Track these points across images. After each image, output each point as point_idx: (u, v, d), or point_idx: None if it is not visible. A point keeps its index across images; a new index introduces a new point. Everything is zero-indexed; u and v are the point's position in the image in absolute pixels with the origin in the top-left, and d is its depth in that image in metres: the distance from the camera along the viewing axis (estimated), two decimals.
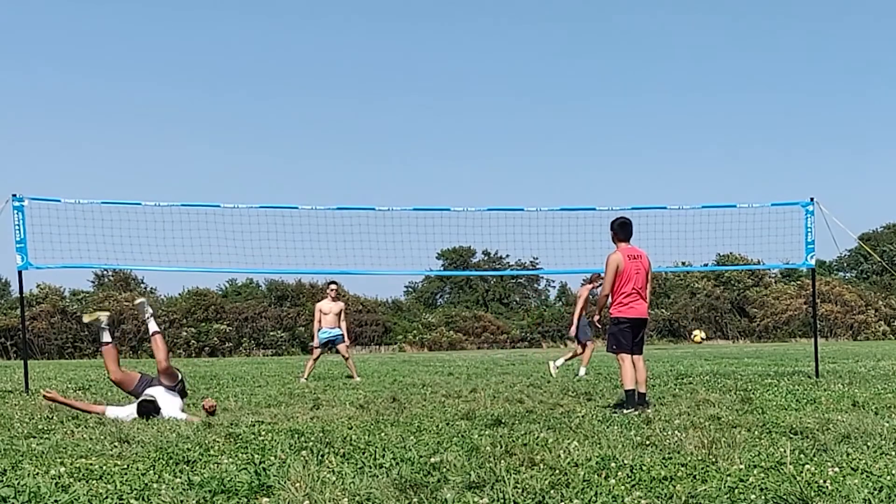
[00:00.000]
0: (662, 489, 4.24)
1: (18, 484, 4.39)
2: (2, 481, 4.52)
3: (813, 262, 12.80)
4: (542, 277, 68.69)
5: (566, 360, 15.16)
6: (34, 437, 6.47)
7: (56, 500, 4.11)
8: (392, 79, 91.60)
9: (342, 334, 14.69)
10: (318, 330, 14.66)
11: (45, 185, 76.01)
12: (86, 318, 8.91)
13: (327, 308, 14.70)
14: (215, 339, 46.84)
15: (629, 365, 8.21)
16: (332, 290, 14.94)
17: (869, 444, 5.50)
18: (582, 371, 14.21)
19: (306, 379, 14.20)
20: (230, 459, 5.24)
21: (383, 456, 5.26)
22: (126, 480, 4.61)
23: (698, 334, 16.43)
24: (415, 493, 4.18)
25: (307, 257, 13.10)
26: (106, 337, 8.40)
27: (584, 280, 15.86)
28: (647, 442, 5.77)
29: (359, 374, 15.10)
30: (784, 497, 3.99)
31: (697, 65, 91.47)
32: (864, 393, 9.39)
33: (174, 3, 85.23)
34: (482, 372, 16.40)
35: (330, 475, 4.61)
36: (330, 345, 14.69)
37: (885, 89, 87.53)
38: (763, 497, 4.02)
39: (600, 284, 15.04)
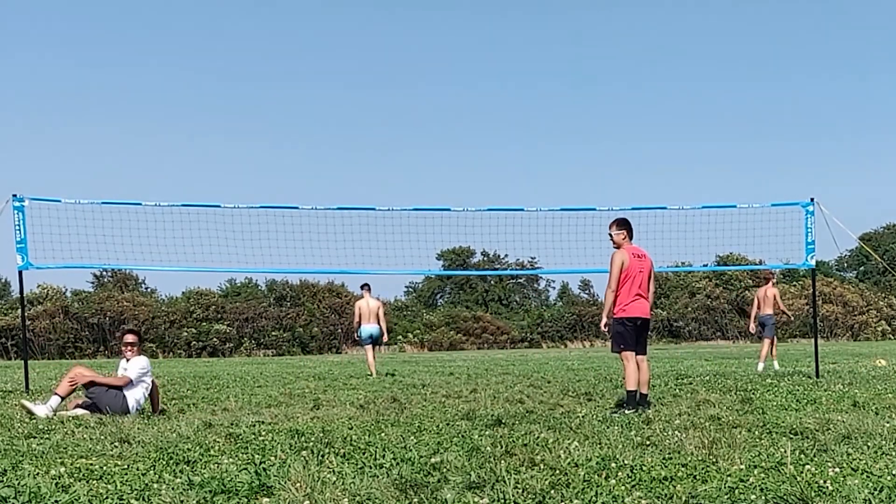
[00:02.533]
0: (663, 489, 4.24)
1: (19, 484, 4.40)
2: (2, 481, 4.52)
3: (813, 262, 12.80)
4: (542, 278, 68.76)
5: (772, 356, 15.66)
6: (34, 437, 6.47)
7: (56, 501, 4.11)
8: (393, 78, 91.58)
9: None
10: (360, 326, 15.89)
11: (45, 185, 75.97)
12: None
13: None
14: (215, 339, 46.82)
15: (633, 365, 8.17)
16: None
17: (869, 444, 5.51)
18: (760, 366, 14.85)
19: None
20: (230, 460, 5.24)
21: (384, 456, 5.26)
22: (126, 480, 4.62)
23: (882, 361, 17.02)
24: (415, 493, 4.18)
25: (307, 257, 13.13)
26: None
27: (763, 279, 16.46)
28: (648, 442, 5.77)
29: (358, 375, 15.62)
30: (784, 497, 3.99)
31: (697, 64, 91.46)
32: (865, 393, 9.39)
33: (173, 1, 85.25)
34: (482, 372, 16.40)
35: (330, 475, 4.61)
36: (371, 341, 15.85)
37: (886, 89, 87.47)
38: (763, 497, 4.02)
39: (776, 283, 15.65)
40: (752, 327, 15.61)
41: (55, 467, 4.99)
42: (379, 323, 15.76)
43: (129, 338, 8.72)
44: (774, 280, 15.96)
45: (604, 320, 8.35)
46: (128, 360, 8.60)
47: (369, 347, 15.81)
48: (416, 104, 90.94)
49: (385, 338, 16.14)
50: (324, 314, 50.69)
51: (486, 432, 6.43)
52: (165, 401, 9.63)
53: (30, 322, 40.48)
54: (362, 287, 16.19)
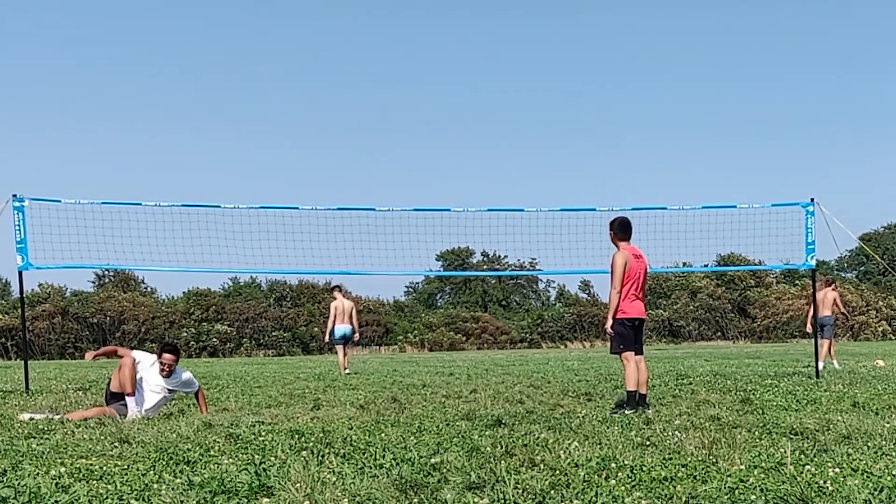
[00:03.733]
0: (663, 490, 4.24)
1: (19, 484, 4.39)
2: (2, 481, 4.52)
3: (813, 262, 12.79)
4: (542, 278, 68.76)
5: (830, 356, 15.88)
6: (34, 438, 6.47)
7: (56, 501, 4.11)
8: (393, 78, 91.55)
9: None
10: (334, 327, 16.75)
11: (46, 185, 76.01)
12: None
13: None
14: (215, 339, 46.81)
15: (633, 366, 8.17)
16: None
17: (869, 444, 5.50)
18: (821, 364, 14.63)
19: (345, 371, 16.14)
20: (230, 460, 5.24)
21: (384, 456, 5.26)
22: (126, 481, 4.61)
23: (880, 362, 17.50)
24: (415, 493, 4.18)
25: (307, 257, 13.13)
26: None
27: (825, 282, 16.70)
28: (648, 442, 5.77)
29: (357, 372, 16.32)
30: (784, 498, 4.00)
31: (697, 64, 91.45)
32: (865, 393, 9.39)
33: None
34: (482, 372, 16.39)
35: (330, 475, 4.61)
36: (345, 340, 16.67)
37: (886, 88, 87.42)
38: (763, 497, 4.02)
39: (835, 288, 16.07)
40: (809, 328, 15.55)
41: (55, 467, 4.98)
42: (351, 322, 16.67)
43: (168, 357, 8.15)
44: (835, 284, 16.61)
45: (609, 322, 8.26)
46: (166, 378, 8.16)
47: (340, 347, 16.57)
48: (416, 104, 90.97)
49: (357, 336, 17.00)
50: (324, 314, 50.69)
51: (486, 432, 6.43)
52: None
53: (30, 322, 40.48)
54: (334, 289, 17.53)
